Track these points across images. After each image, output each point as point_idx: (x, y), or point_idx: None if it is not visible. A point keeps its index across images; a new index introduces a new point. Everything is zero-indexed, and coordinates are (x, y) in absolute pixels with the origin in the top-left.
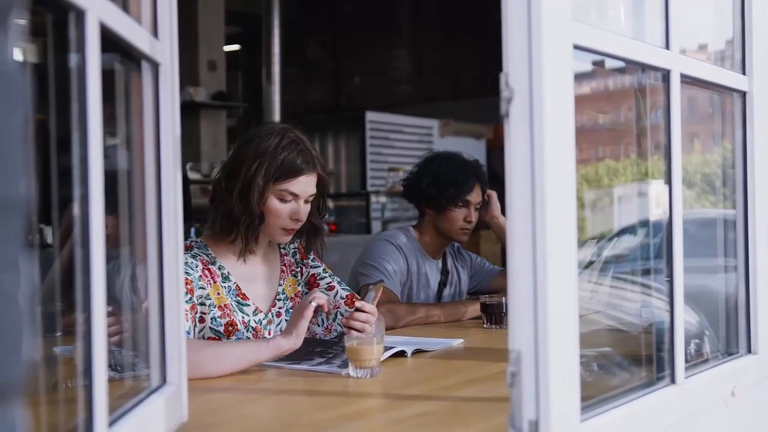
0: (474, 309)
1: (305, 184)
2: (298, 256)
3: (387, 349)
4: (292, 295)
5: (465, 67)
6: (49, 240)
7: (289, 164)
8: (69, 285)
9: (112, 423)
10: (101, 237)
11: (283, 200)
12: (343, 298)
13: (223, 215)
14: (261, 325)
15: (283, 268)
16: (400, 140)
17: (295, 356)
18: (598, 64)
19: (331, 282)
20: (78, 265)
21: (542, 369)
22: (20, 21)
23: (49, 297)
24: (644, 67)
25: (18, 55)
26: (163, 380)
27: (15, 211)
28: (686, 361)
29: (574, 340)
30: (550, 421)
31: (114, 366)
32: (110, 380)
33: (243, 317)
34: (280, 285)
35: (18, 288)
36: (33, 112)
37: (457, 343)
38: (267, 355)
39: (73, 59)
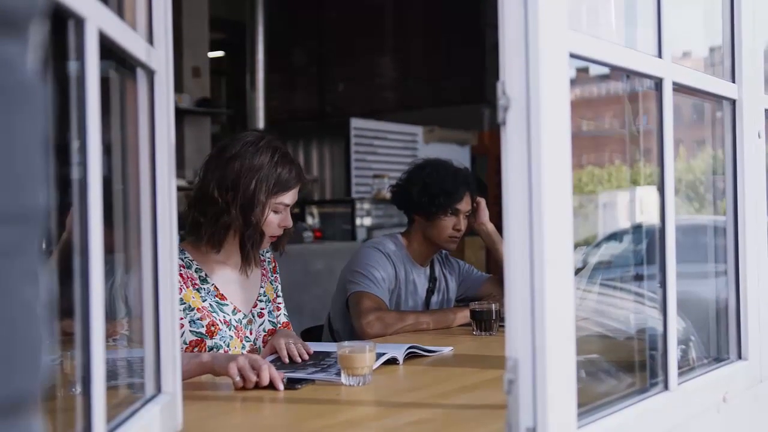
0: (463, 316)
1: (295, 194)
2: (271, 266)
3: (379, 356)
4: (273, 298)
5: (449, 74)
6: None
7: (285, 179)
8: (60, 292)
9: None
10: (100, 245)
11: (276, 212)
12: (279, 324)
13: (222, 229)
14: (241, 324)
15: (263, 272)
16: (384, 147)
17: (289, 367)
18: (582, 71)
19: (281, 304)
20: (76, 274)
21: (540, 376)
22: (39, 32)
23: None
24: (638, 75)
25: (37, 64)
26: (158, 389)
27: (34, 221)
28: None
29: (571, 347)
30: (547, 428)
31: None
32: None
33: (224, 316)
34: (262, 287)
35: (38, 299)
36: (51, 122)
37: (447, 350)
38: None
39: (71, 66)
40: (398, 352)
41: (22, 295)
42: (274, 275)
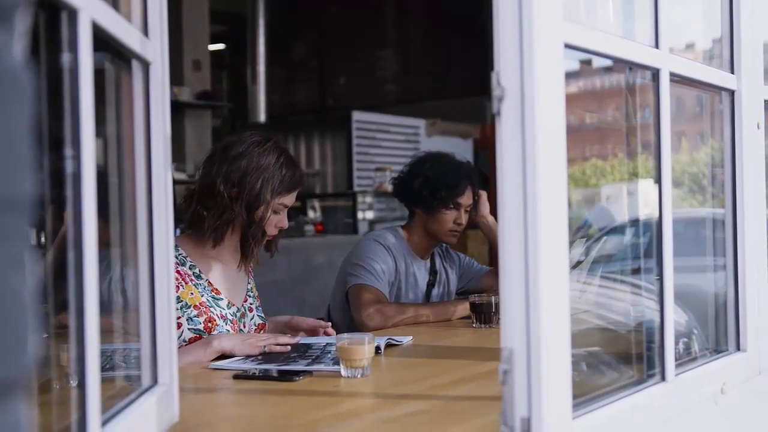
0: (463, 308)
1: (294, 197)
2: (252, 265)
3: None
4: (257, 295)
5: (451, 67)
6: (32, 241)
7: (289, 180)
8: (57, 286)
9: (104, 423)
10: (94, 238)
11: (276, 212)
12: (256, 326)
13: (225, 224)
14: (236, 317)
15: (250, 269)
16: (386, 140)
17: (279, 360)
18: (585, 63)
19: (257, 303)
20: (71, 267)
21: (534, 366)
22: (25, 19)
23: (37, 298)
24: (634, 66)
25: (22, 53)
26: (155, 380)
27: (21, 209)
28: (675, 359)
29: (565, 337)
30: (542, 418)
31: (104, 366)
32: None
33: (220, 311)
34: (249, 283)
35: (24, 285)
36: (36, 111)
37: (407, 340)
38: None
39: (65, 58)
40: (380, 342)
41: (8, 282)
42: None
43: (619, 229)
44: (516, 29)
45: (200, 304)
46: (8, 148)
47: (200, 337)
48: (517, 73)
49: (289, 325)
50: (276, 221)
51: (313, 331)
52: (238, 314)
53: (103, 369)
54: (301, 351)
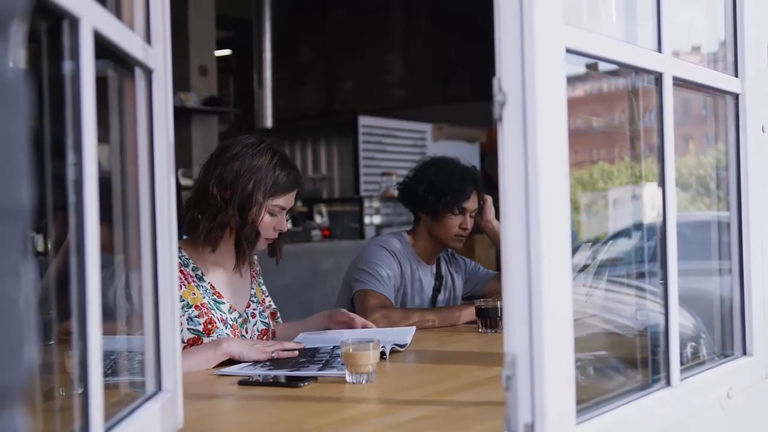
0: (468, 313)
1: (291, 198)
2: (258, 269)
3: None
4: (261, 300)
5: (458, 71)
6: (40, 248)
7: (282, 181)
8: (63, 293)
9: (107, 430)
10: (96, 245)
11: (272, 214)
12: (258, 331)
13: (219, 227)
14: (237, 323)
15: (254, 274)
16: (393, 144)
17: (289, 366)
18: (592, 67)
19: (270, 301)
20: (73, 274)
21: (537, 372)
22: (21, 29)
23: (42, 305)
24: (637, 70)
25: (19, 62)
26: (159, 387)
27: (17, 217)
28: (682, 363)
29: (569, 342)
30: (545, 423)
31: (107, 371)
32: (105, 387)
33: (221, 314)
34: (252, 288)
35: (20, 294)
36: (33, 120)
37: (411, 333)
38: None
39: (66, 66)
40: (395, 338)
41: (4, 291)
42: (260, 278)
43: (625, 233)
44: (517, 34)
45: (201, 305)
46: (5, 157)
47: (199, 338)
48: (518, 78)
49: (333, 318)
50: (274, 224)
51: (348, 324)
52: (240, 320)
53: (106, 374)
54: (309, 356)
